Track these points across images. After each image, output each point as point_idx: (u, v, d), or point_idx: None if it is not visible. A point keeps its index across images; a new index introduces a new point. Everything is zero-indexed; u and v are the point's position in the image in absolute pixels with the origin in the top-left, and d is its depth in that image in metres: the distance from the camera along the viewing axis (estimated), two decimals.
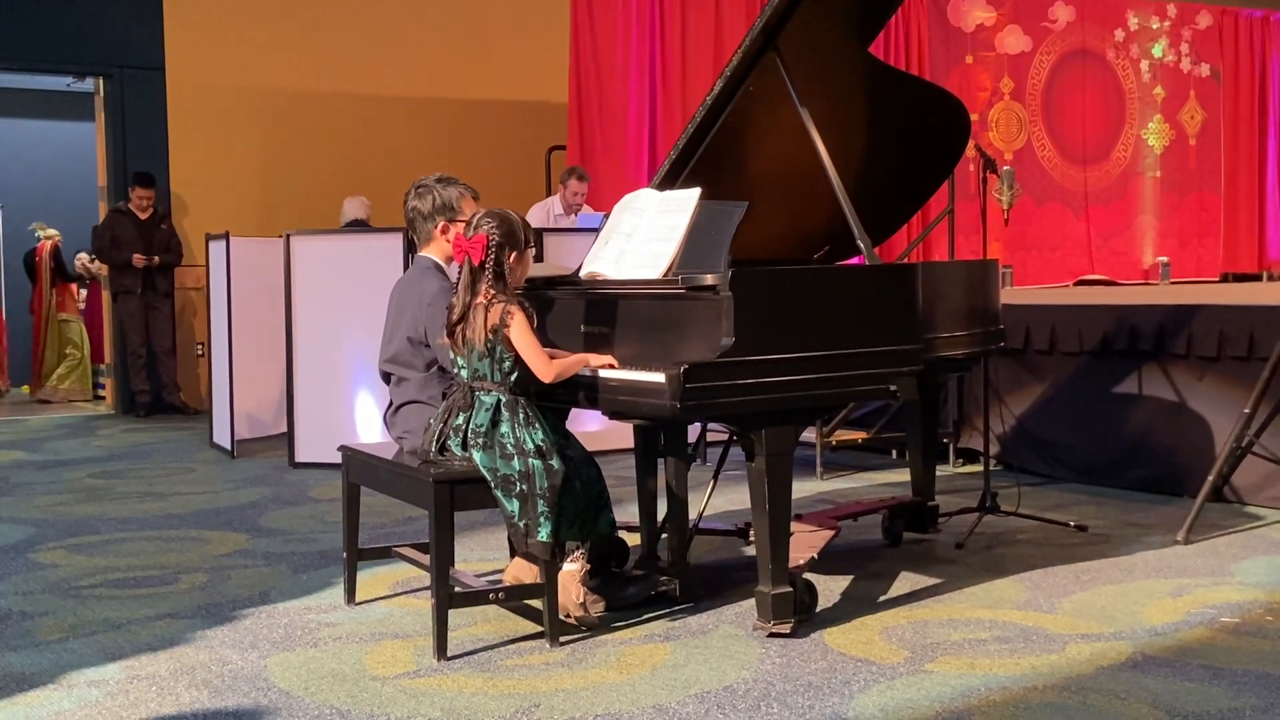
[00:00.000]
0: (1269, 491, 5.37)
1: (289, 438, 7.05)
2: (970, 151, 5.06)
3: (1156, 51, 12.06)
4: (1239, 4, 12.49)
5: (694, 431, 5.58)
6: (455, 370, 3.76)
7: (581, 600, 3.75)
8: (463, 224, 4.03)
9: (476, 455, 3.60)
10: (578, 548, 3.77)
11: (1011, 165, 10.59)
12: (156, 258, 9.53)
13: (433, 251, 4.23)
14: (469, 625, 3.85)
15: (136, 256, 9.46)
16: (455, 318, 3.68)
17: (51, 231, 11.75)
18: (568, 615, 3.75)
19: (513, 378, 3.65)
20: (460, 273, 3.71)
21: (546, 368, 3.64)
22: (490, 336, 3.60)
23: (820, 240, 4.72)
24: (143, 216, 9.57)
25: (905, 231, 8.17)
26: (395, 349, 4.16)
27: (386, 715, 3.11)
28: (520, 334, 3.60)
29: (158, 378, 9.73)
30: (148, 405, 9.67)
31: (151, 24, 9.78)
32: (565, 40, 9.45)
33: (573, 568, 3.76)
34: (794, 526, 4.00)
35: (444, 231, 4.18)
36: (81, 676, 3.44)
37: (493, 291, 3.64)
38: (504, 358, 3.63)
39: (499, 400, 3.64)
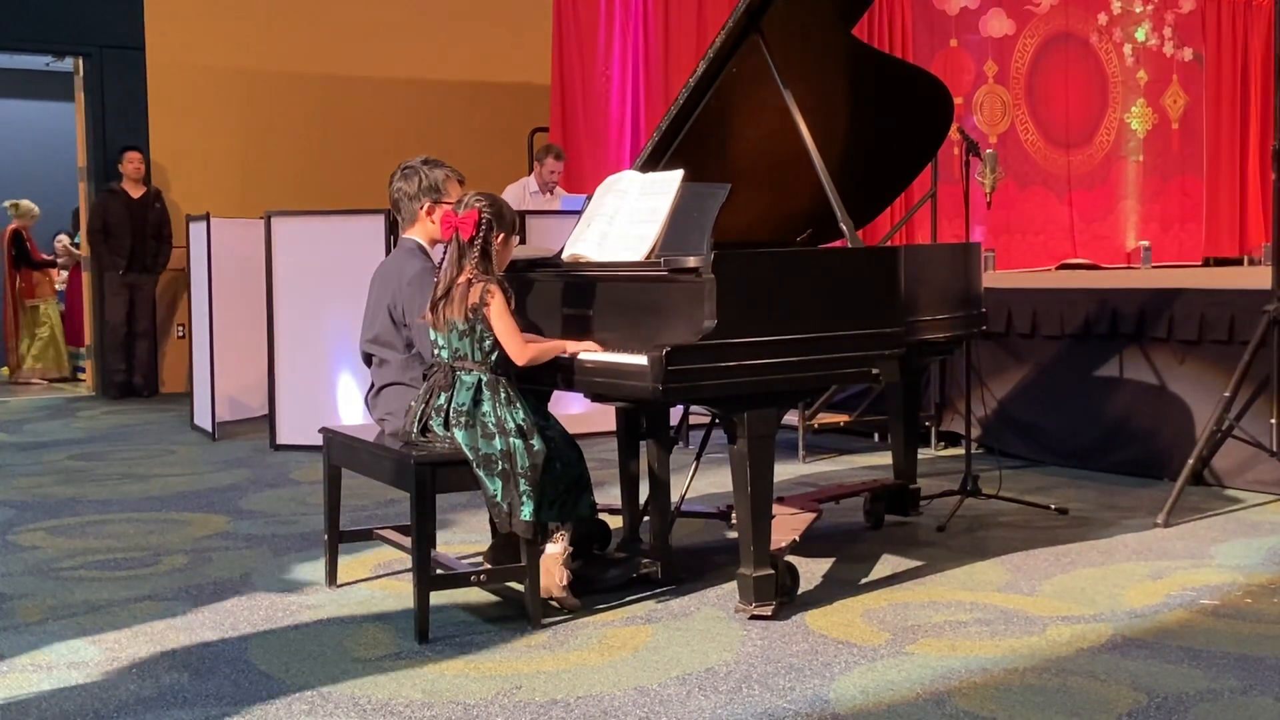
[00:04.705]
0: (1249, 475, 5.39)
1: (270, 420, 7.03)
2: (953, 134, 5.06)
3: (1139, 35, 12.07)
4: None
5: (676, 414, 5.58)
6: (435, 352, 3.76)
7: (564, 583, 3.75)
8: (448, 207, 4.02)
9: (458, 434, 3.60)
10: (558, 528, 3.77)
11: (995, 149, 10.58)
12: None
13: (416, 233, 4.21)
14: (450, 607, 3.85)
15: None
16: (439, 293, 3.68)
17: (26, 205, 11.54)
18: (550, 597, 3.75)
19: (493, 357, 3.65)
20: (446, 250, 3.71)
21: (521, 350, 3.65)
22: (470, 315, 3.60)
23: (803, 223, 4.72)
24: (136, 194, 9.50)
25: (888, 215, 8.15)
26: (377, 330, 4.15)
27: (368, 697, 3.11)
28: (498, 314, 3.61)
29: (138, 359, 9.68)
30: (125, 386, 9.62)
31: (131, 3, 9.69)
32: (548, 22, 9.40)
33: (555, 550, 3.76)
34: (776, 509, 4.00)
35: (429, 213, 4.17)
36: (61, 658, 3.43)
37: (477, 270, 3.64)
38: (484, 336, 3.63)
39: (480, 379, 3.64)
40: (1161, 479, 5.58)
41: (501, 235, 3.73)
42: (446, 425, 3.65)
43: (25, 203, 11.61)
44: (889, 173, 4.86)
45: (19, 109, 13.84)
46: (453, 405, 3.64)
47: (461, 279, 3.66)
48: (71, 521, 5.18)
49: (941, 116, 4.76)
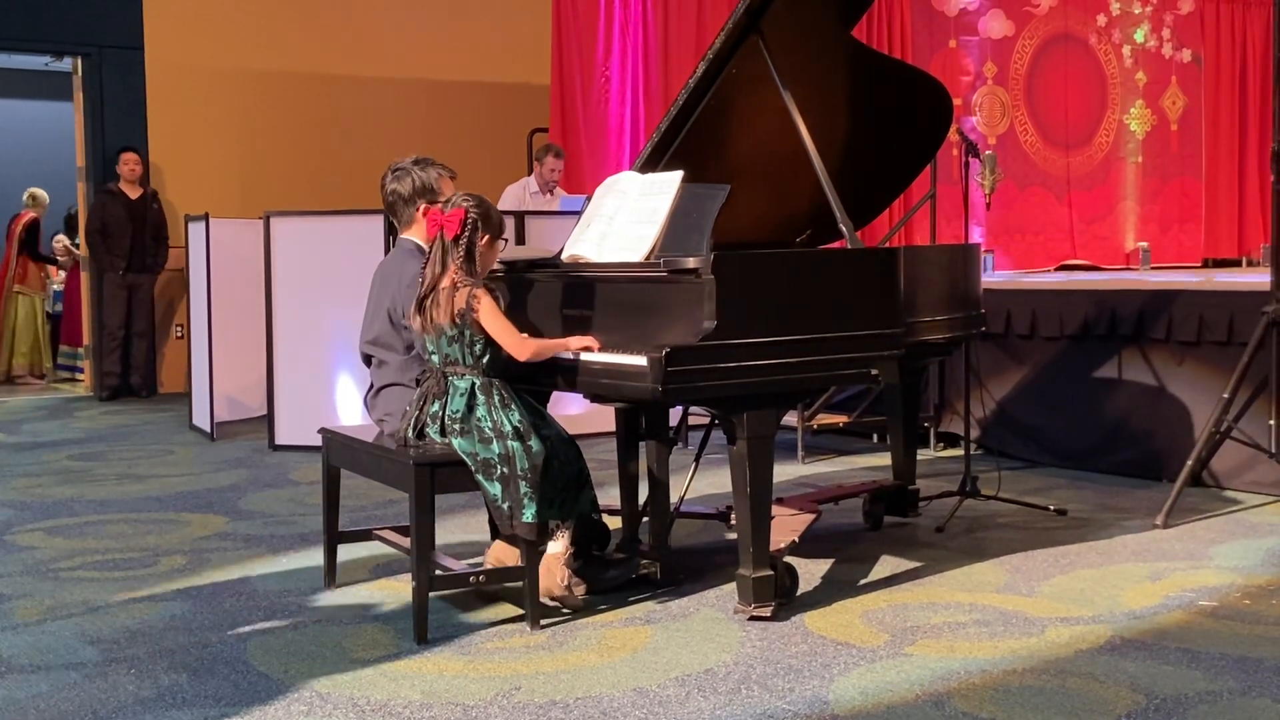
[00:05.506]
0: (1247, 476, 5.39)
1: (269, 420, 7.02)
2: (952, 136, 5.06)
3: (1138, 36, 12.07)
4: None
5: (675, 415, 5.58)
6: (426, 357, 3.75)
7: (566, 583, 3.75)
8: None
9: (456, 441, 3.59)
10: (557, 527, 3.76)
11: (994, 150, 10.59)
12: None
13: (414, 234, 4.21)
14: (449, 608, 3.85)
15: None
16: (423, 292, 3.66)
17: (42, 195, 11.48)
18: (552, 598, 3.75)
19: (484, 360, 3.64)
20: (431, 248, 3.70)
21: (521, 346, 3.63)
22: (457, 320, 3.59)
23: (802, 224, 4.72)
24: (133, 195, 9.50)
25: (887, 216, 8.15)
26: (376, 331, 4.14)
27: (366, 698, 3.11)
28: (490, 316, 3.59)
29: (136, 360, 9.67)
30: (124, 386, 9.61)
31: (130, 3, 9.68)
32: (547, 22, 9.40)
33: (557, 550, 3.75)
34: (775, 510, 4.00)
35: (425, 214, 4.16)
36: (59, 659, 3.43)
37: (460, 273, 3.62)
38: (474, 341, 3.62)
39: (473, 384, 3.63)
40: (1160, 480, 5.58)
41: (487, 237, 3.70)
42: (443, 433, 3.65)
43: (41, 192, 11.54)
44: (888, 174, 4.86)
45: (18, 109, 13.83)
46: (447, 412, 3.63)
47: (445, 282, 3.64)
48: (70, 522, 5.18)
49: (940, 117, 4.76)
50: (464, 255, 3.63)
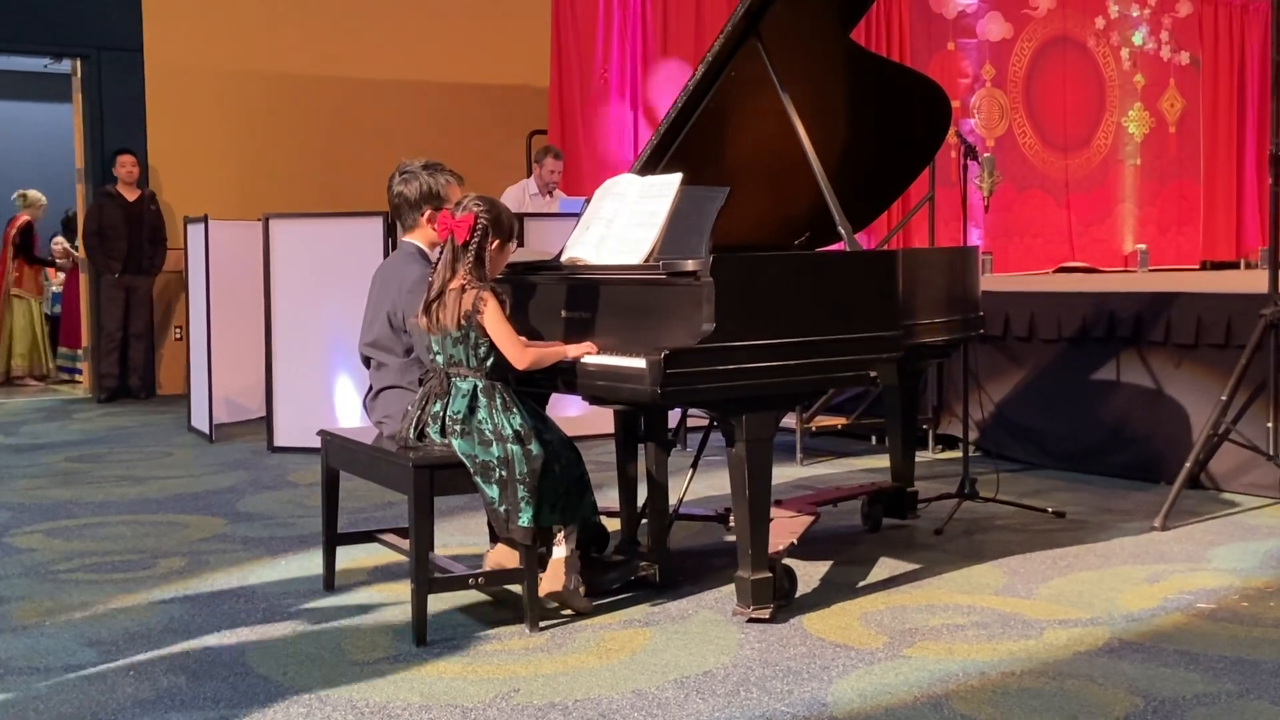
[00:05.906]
0: (1245, 478, 5.39)
1: (268, 422, 7.02)
2: (951, 138, 5.07)
3: (1137, 39, 12.09)
4: None
5: (674, 417, 5.58)
6: (431, 357, 3.75)
7: (576, 586, 3.75)
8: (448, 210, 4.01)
9: (455, 442, 3.60)
10: (559, 530, 3.76)
11: (993, 152, 10.60)
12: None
13: (416, 237, 4.20)
14: (448, 610, 3.85)
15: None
16: (431, 296, 3.67)
17: (34, 195, 11.45)
18: (560, 599, 3.74)
19: (488, 363, 3.64)
20: (441, 251, 3.70)
21: (521, 354, 3.63)
22: (463, 322, 3.59)
23: (801, 226, 4.72)
24: (131, 197, 9.50)
25: (885, 218, 8.17)
26: (376, 334, 4.14)
27: (365, 700, 3.11)
28: (494, 321, 3.59)
29: (134, 361, 9.68)
30: (122, 388, 9.62)
31: (130, 4, 9.68)
32: (547, 24, 9.41)
33: (562, 553, 3.75)
34: (774, 512, 4.00)
35: (430, 220, 4.16)
36: (58, 661, 3.43)
37: (469, 276, 3.63)
38: (479, 343, 3.62)
39: (475, 386, 3.63)
40: (1158, 482, 5.58)
41: (497, 241, 3.70)
42: (443, 433, 3.65)
43: (33, 193, 11.50)
44: (887, 176, 4.86)
45: (17, 110, 13.83)
46: (448, 413, 3.64)
47: (454, 284, 3.64)
48: (69, 524, 5.18)
49: (939, 120, 4.76)
50: (473, 260, 3.64)
